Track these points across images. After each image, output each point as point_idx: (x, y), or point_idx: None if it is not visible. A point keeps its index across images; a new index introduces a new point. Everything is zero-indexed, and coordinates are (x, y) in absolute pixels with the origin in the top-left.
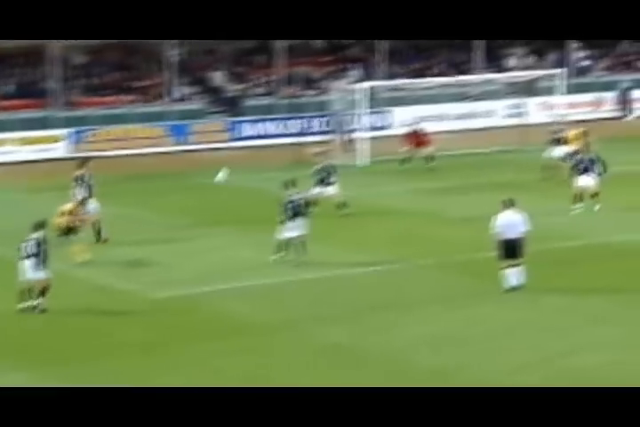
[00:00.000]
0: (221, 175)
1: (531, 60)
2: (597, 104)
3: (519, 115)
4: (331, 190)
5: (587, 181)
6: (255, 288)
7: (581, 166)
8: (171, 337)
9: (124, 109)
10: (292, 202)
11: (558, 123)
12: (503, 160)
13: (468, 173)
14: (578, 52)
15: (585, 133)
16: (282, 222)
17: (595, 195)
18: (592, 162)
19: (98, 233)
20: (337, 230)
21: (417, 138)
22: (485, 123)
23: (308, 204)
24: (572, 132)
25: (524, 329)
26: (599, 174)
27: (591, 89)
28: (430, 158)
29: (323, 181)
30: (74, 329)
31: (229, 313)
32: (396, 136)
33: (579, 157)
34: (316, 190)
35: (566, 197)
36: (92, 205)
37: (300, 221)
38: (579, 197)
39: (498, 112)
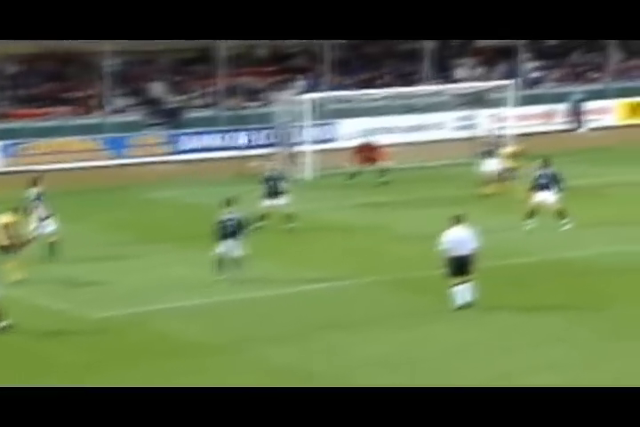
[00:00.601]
0: None
1: (480, 70)
2: (549, 116)
3: (469, 127)
4: (281, 201)
5: (545, 197)
6: (197, 307)
7: (541, 182)
8: (110, 358)
9: (58, 121)
10: (225, 222)
11: (495, 136)
12: (453, 174)
13: (418, 188)
14: (528, 63)
15: (522, 151)
16: (216, 241)
17: (560, 212)
18: (552, 177)
19: (51, 252)
20: (282, 246)
21: (369, 151)
22: (435, 135)
23: (247, 222)
24: (509, 148)
25: (476, 349)
26: (559, 190)
27: (542, 101)
28: (383, 172)
29: (272, 192)
30: (8, 350)
31: (171, 333)
32: (342, 149)
33: (539, 171)
34: (266, 203)
35: (519, 212)
36: (52, 224)
37: (234, 242)
38: (532, 212)
39: (447, 124)
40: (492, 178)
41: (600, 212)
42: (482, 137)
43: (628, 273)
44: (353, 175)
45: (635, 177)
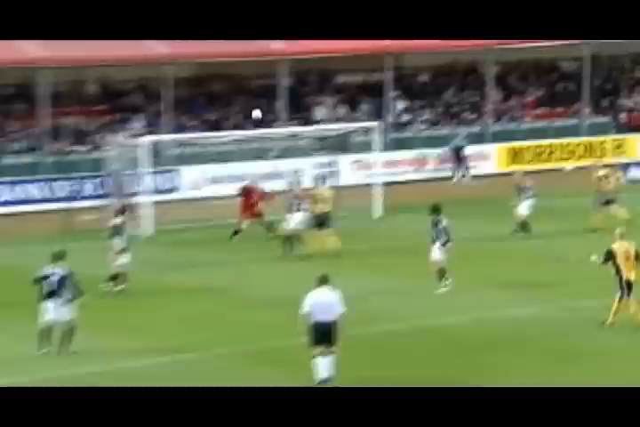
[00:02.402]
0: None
1: (342, 110)
2: (421, 162)
3: (330, 175)
4: (124, 259)
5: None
6: (20, 385)
7: (432, 235)
8: None
9: None
10: (48, 277)
11: (302, 188)
12: None
13: (274, 244)
14: (397, 102)
15: (335, 195)
16: (39, 304)
17: (441, 271)
18: (437, 228)
19: None
20: (117, 312)
21: (251, 200)
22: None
23: (76, 281)
24: (321, 193)
25: None
26: (443, 244)
27: (413, 145)
28: (270, 226)
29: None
30: None
31: None
32: (186, 200)
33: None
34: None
35: (388, 270)
36: None
37: (60, 305)
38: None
39: (306, 171)
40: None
41: (482, 271)
42: (289, 190)
43: (509, 341)
44: (236, 233)
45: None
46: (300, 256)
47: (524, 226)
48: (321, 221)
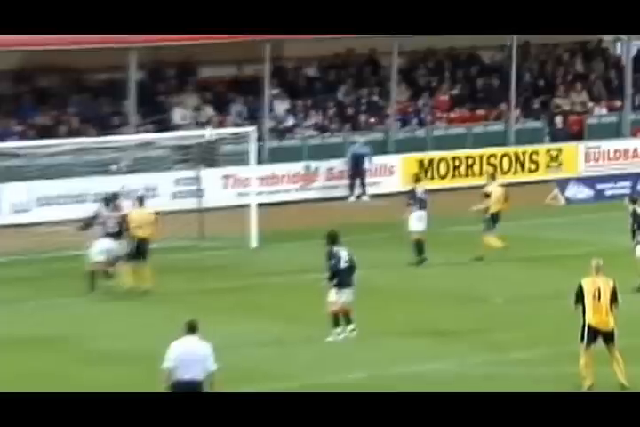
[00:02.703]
0: None
1: (208, 112)
2: (308, 177)
3: (194, 193)
4: None
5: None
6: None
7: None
8: None
9: None
10: None
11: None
12: (175, 260)
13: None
14: (276, 103)
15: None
16: None
17: (334, 316)
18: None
19: None
20: None
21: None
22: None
23: None
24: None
25: None
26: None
27: (298, 156)
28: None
29: None
30: None
31: None
32: (4, 226)
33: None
34: None
35: (267, 313)
36: None
37: None
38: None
39: (162, 190)
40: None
41: (382, 315)
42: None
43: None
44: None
45: (434, 270)
46: (112, 293)
47: (419, 247)
48: (137, 251)
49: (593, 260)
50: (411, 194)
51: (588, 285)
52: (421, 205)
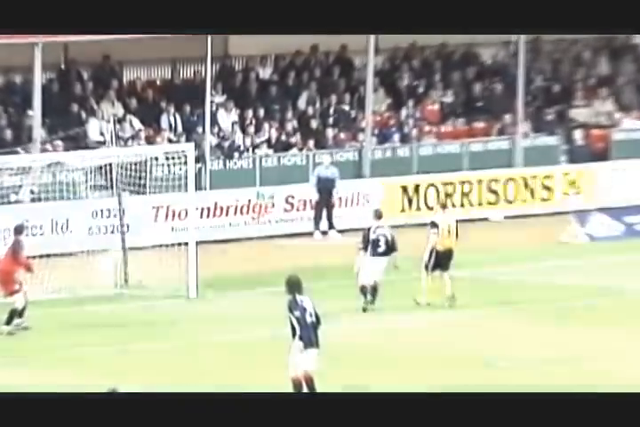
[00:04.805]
0: None
1: (133, 126)
2: (261, 208)
3: (115, 229)
4: None
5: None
6: None
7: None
8: None
9: None
10: None
11: None
12: (90, 314)
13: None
14: (221, 113)
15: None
16: None
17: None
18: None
19: None
20: None
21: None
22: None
23: None
24: None
25: None
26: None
27: (248, 181)
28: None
29: None
30: None
31: None
32: None
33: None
34: None
35: None
36: None
37: None
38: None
39: (74, 224)
40: None
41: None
42: None
43: None
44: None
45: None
46: None
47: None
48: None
49: None
50: (364, 234)
51: None
52: (375, 248)
